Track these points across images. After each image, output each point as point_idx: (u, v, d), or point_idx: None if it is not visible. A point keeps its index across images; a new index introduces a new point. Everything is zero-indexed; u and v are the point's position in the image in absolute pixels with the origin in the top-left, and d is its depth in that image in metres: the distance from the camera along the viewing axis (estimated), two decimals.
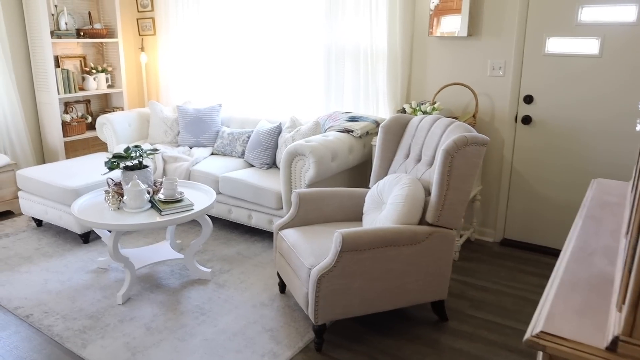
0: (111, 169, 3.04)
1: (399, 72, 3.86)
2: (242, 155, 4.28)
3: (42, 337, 2.62)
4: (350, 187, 3.83)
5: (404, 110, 3.73)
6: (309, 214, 2.91)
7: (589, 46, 3.25)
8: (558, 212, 3.58)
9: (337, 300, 2.40)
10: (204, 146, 4.50)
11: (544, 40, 3.39)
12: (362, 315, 2.71)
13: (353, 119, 3.86)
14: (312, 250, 2.52)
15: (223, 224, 4.14)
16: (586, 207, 1.88)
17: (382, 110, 4.01)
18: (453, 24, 3.59)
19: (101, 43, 5.36)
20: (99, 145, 5.46)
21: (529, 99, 3.52)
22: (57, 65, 4.94)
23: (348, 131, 3.74)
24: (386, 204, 2.69)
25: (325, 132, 3.88)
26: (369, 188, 3.04)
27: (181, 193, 3.06)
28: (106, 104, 5.55)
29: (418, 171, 2.80)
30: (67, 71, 4.87)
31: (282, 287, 3.06)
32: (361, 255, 2.37)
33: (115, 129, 4.63)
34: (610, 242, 1.55)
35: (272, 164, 4.06)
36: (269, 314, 2.82)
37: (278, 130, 4.04)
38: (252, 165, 4.13)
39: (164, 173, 4.15)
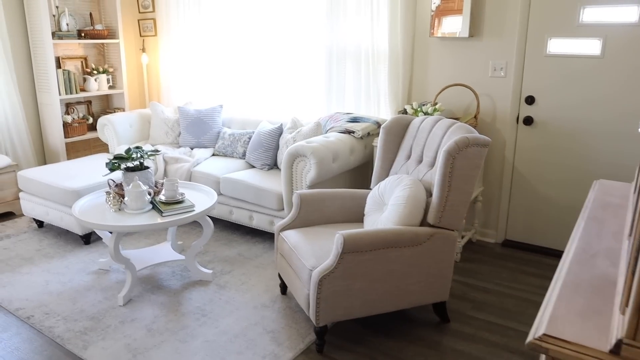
0: (112, 170, 3.04)
1: (400, 73, 3.86)
2: (243, 156, 4.27)
3: (43, 339, 2.62)
4: (351, 188, 3.83)
5: (405, 111, 3.72)
6: (310, 215, 2.91)
7: (591, 47, 3.25)
8: (560, 213, 3.57)
9: (339, 302, 2.40)
10: (205, 147, 4.50)
11: (545, 41, 3.38)
12: (364, 317, 2.70)
13: (354, 120, 3.86)
14: (313, 252, 2.52)
15: (224, 225, 4.14)
16: (588, 209, 1.87)
17: (384, 111, 4.00)
18: (454, 25, 3.59)
19: (102, 44, 5.36)
20: (100, 146, 5.46)
21: (530, 100, 3.51)
22: (58, 66, 4.94)
23: (349, 132, 3.73)
24: (387, 205, 2.69)
25: (326, 133, 3.87)
26: (370, 189, 3.03)
27: (182, 194, 3.05)
28: (107, 105, 5.55)
29: (419, 172, 2.80)
30: (68, 72, 4.87)
31: (284, 288, 3.05)
32: (362, 257, 2.36)
33: (116, 130, 4.63)
34: (613, 244, 1.54)
35: (273, 165, 4.05)
36: (270, 315, 2.81)
37: (279, 131, 4.04)
38: (253, 166, 4.13)
39: (165, 174, 4.14)
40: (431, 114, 3.48)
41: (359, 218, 3.02)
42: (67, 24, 4.87)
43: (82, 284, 3.17)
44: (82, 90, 5.12)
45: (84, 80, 5.12)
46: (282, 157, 3.54)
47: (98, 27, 5.13)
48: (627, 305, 1.01)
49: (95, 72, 5.16)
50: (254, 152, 4.10)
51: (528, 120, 3.55)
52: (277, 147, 4.03)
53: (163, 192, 3.04)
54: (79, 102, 5.26)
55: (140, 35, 5.52)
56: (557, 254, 3.61)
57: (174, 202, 2.99)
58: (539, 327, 1.11)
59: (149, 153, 3.15)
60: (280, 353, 2.48)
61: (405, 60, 3.86)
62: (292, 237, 2.73)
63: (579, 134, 3.40)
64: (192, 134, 4.52)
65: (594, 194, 2.04)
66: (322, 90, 4.30)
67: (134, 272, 3.00)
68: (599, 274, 1.35)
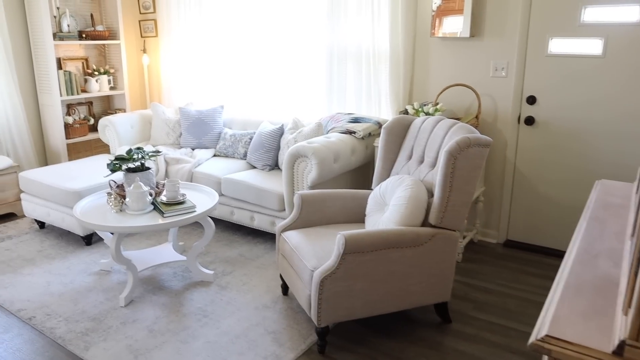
0: (113, 171, 3.04)
1: (401, 73, 3.86)
2: (244, 156, 4.27)
3: (44, 340, 2.62)
4: (352, 188, 3.83)
5: (406, 112, 3.72)
6: (311, 216, 2.91)
7: (592, 46, 3.24)
8: (561, 213, 3.57)
9: (340, 303, 2.39)
10: (206, 148, 4.50)
11: (546, 41, 3.38)
12: (365, 318, 2.70)
13: (355, 120, 3.86)
14: (314, 252, 2.52)
15: (225, 226, 4.13)
16: (590, 209, 1.86)
17: (385, 112, 4.00)
18: (455, 25, 3.58)
19: (103, 45, 5.36)
20: (101, 147, 5.46)
21: (531, 100, 3.51)
22: (60, 67, 4.94)
23: (350, 132, 3.73)
24: (389, 206, 2.68)
25: (327, 133, 3.87)
26: (372, 190, 3.03)
27: (183, 195, 3.05)
28: (108, 105, 5.56)
29: (421, 173, 2.79)
30: (70, 73, 4.87)
31: (285, 289, 3.05)
32: (364, 257, 2.36)
33: (117, 131, 4.63)
34: (615, 244, 1.54)
35: (275, 166, 4.05)
36: (272, 316, 2.81)
37: (280, 132, 4.04)
38: (255, 167, 4.12)
39: (166, 175, 4.15)
40: (432, 114, 3.47)
41: (360, 218, 3.02)
42: (68, 25, 4.88)
43: (84, 285, 3.17)
44: (83, 91, 5.13)
45: (85, 81, 5.12)
46: (283, 158, 3.53)
47: (99, 28, 5.13)
48: (629, 306, 1.01)
49: (96, 73, 5.16)
50: (255, 152, 4.09)
51: (529, 120, 3.54)
52: (278, 148, 4.03)
53: (164, 193, 3.04)
54: (80, 103, 5.26)
55: (141, 36, 5.52)
56: (559, 254, 3.61)
57: (175, 202, 2.99)
58: (542, 328, 1.11)
59: (150, 154, 3.15)
60: (282, 354, 2.48)
61: (406, 60, 3.85)
62: (293, 238, 2.73)
63: (581, 133, 3.40)
64: (193, 135, 4.52)
65: (595, 194, 2.04)
66: (323, 91, 4.30)
67: (136, 273, 3.00)
68: (601, 274, 1.35)
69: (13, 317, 2.83)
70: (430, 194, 2.66)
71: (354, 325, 2.74)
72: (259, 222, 3.73)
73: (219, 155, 4.43)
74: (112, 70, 5.32)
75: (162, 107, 4.78)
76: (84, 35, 5.01)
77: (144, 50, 5.50)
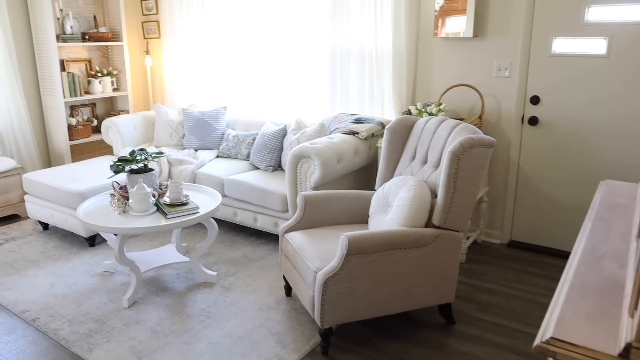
0: (117, 172, 3.04)
1: (404, 74, 3.85)
2: (248, 157, 4.27)
3: (48, 341, 2.62)
4: (355, 189, 3.82)
5: (409, 112, 3.71)
6: (314, 217, 2.90)
7: (596, 46, 3.23)
8: (566, 214, 3.55)
9: (344, 304, 2.39)
10: (209, 149, 4.50)
11: (550, 41, 3.37)
12: (369, 319, 2.69)
13: (358, 121, 3.85)
14: (318, 254, 2.51)
15: (228, 227, 4.13)
16: (595, 209, 1.85)
17: (388, 112, 3.99)
18: (458, 25, 3.57)
19: (106, 46, 5.37)
20: (104, 149, 5.47)
21: (535, 100, 3.50)
22: (63, 68, 4.96)
23: (353, 133, 3.72)
24: (392, 207, 2.68)
25: (330, 134, 3.87)
26: (375, 190, 3.02)
27: (186, 196, 3.05)
28: (111, 107, 5.57)
29: (424, 173, 2.79)
30: (73, 75, 4.88)
31: (288, 290, 3.04)
32: (367, 258, 2.36)
33: (120, 132, 4.64)
34: (620, 245, 1.53)
35: (278, 167, 4.05)
36: (275, 317, 2.81)
37: (283, 133, 4.03)
38: (258, 168, 4.12)
39: (170, 176, 4.15)
40: (435, 115, 3.46)
41: (363, 219, 3.01)
42: (71, 27, 4.89)
43: (87, 286, 3.18)
44: (87, 92, 5.14)
45: (88, 82, 5.13)
46: (287, 159, 3.53)
47: (102, 29, 5.14)
48: (636, 308, 1.00)
49: (99, 74, 5.17)
50: (258, 153, 4.09)
51: (533, 121, 3.53)
52: (281, 149, 4.02)
53: (167, 194, 3.04)
54: (83, 105, 5.28)
55: (144, 38, 5.53)
56: (563, 255, 3.59)
57: (178, 204, 2.98)
58: (547, 330, 1.10)
59: (153, 155, 3.15)
60: (285, 355, 2.48)
61: (409, 60, 3.85)
62: (296, 239, 2.72)
63: (585, 133, 3.38)
64: (196, 136, 4.52)
65: (600, 195, 2.03)
66: (326, 91, 4.29)
67: (139, 274, 3.00)
68: (606, 276, 1.34)
69: (17, 318, 2.84)
70: (434, 194, 2.65)
71: (357, 326, 2.73)
72: (262, 223, 3.73)
73: (222, 156, 4.43)
74: (115, 72, 5.32)
75: (165, 109, 4.79)
76: (87, 37, 5.02)
77: (147, 52, 5.51)
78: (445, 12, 3.61)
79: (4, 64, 4.53)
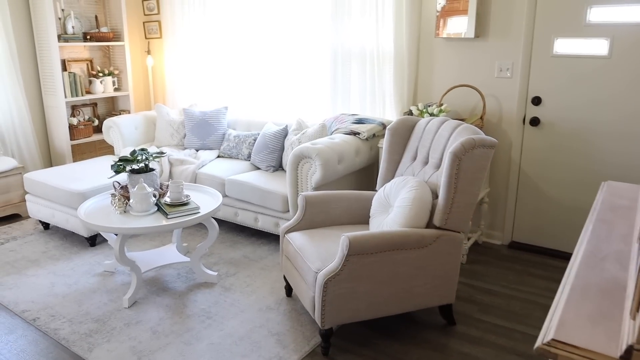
0: (117, 172, 3.04)
1: (406, 74, 3.84)
2: (249, 157, 4.27)
3: (48, 341, 2.62)
4: (356, 189, 3.82)
5: (410, 113, 3.71)
6: (315, 217, 2.90)
7: (598, 47, 3.22)
8: (567, 215, 3.54)
9: (344, 304, 2.38)
10: (210, 149, 4.50)
11: (552, 41, 3.36)
12: (369, 320, 2.69)
13: (359, 121, 3.85)
14: (318, 254, 2.51)
15: (229, 227, 4.13)
16: (597, 211, 1.85)
17: (389, 113, 3.99)
18: (460, 25, 3.57)
19: (108, 46, 5.37)
20: (105, 149, 5.47)
21: (537, 101, 3.49)
22: (64, 68, 4.96)
23: (354, 133, 3.72)
24: (393, 207, 2.67)
25: (331, 134, 3.86)
26: (376, 191, 3.02)
27: (187, 196, 3.05)
28: (113, 107, 5.57)
29: (425, 174, 2.78)
30: (74, 74, 4.89)
31: (289, 290, 3.04)
32: (368, 259, 2.35)
33: (121, 132, 4.64)
34: (622, 247, 1.52)
35: (279, 167, 4.04)
36: (276, 317, 2.80)
37: (284, 133, 4.03)
38: (259, 168, 4.12)
39: (170, 176, 4.15)
40: (437, 115, 3.46)
41: (364, 220, 3.01)
42: (73, 27, 4.89)
43: (88, 286, 3.18)
44: (88, 92, 5.14)
45: (90, 82, 5.13)
46: (287, 159, 3.53)
47: (103, 29, 5.14)
48: (637, 310, 1.00)
49: (100, 74, 5.17)
50: (259, 153, 4.09)
51: (535, 121, 3.52)
52: (282, 149, 4.02)
53: (168, 194, 3.04)
54: (84, 105, 5.28)
55: (146, 38, 5.53)
56: (564, 256, 3.58)
57: (179, 204, 2.98)
58: (548, 332, 1.09)
59: (154, 155, 3.15)
60: (286, 356, 2.47)
61: (411, 61, 3.84)
62: (297, 239, 2.72)
63: (586, 134, 3.37)
64: (197, 136, 4.52)
65: (602, 196, 2.02)
66: (327, 92, 4.29)
67: (139, 274, 3.00)
68: (608, 277, 1.33)
69: (17, 318, 2.83)
70: (435, 195, 2.65)
71: (358, 327, 2.73)
72: (263, 223, 3.72)
73: (223, 156, 4.43)
74: (116, 72, 5.33)
75: (166, 109, 4.79)
76: (88, 37, 5.02)
77: (148, 52, 5.51)
78: (447, 12, 3.61)
79: (5, 64, 4.54)
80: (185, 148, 4.60)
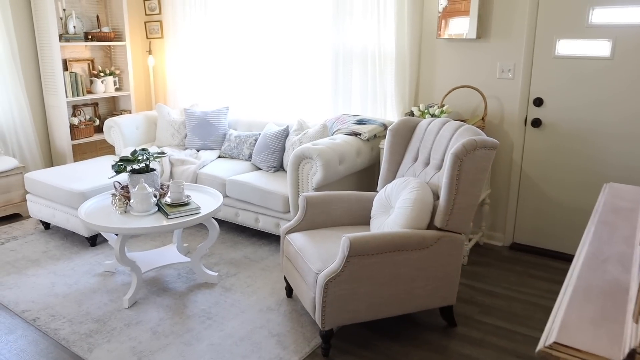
0: (118, 172, 3.04)
1: (407, 75, 3.84)
2: (249, 158, 4.27)
3: (48, 341, 2.62)
4: (357, 190, 3.81)
5: (412, 113, 3.70)
6: (316, 218, 2.89)
7: (600, 48, 3.21)
8: (568, 216, 3.53)
9: (345, 306, 2.38)
10: (211, 149, 4.49)
11: (554, 42, 3.35)
12: (370, 321, 2.68)
13: (361, 122, 3.84)
14: (319, 255, 2.50)
15: (230, 227, 4.13)
16: (599, 212, 1.84)
17: (390, 113, 3.98)
18: (461, 26, 3.56)
19: (109, 46, 5.37)
20: (106, 148, 5.47)
21: (538, 102, 3.48)
22: (65, 68, 4.96)
23: (356, 134, 3.71)
24: (394, 208, 2.66)
25: (332, 135, 3.86)
26: (377, 192, 3.01)
27: (188, 196, 3.05)
28: (114, 107, 5.57)
29: (426, 175, 2.77)
30: (75, 74, 4.89)
31: (289, 291, 3.03)
32: (369, 260, 2.34)
33: (122, 132, 4.63)
34: (624, 249, 1.51)
35: (280, 167, 4.04)
36: (276, 318, 2.80)
37: (285, 133, 4.03)
38: (259, 168, 4.11)
39: (171, 176, 4.14)
40: (438, 116, 3.45)
41: (365, 221, 3.00)
42: (74, 27, 4.89)
43: (88, 286, 3.17)
44: (89, 92, 5.14)
45: (91, 82, 5.13)
46: (288, 159, 3.52)
47: (105, 29, 5.14)
48: None
49: (101, 74, 5.17)
50: (260, 154, 4.08)
51: (536, 122, 3.52)
52: (283, 149, 4.02)
53: (169, 194, 3.03)
54: (85, 104, 5.28)
55: (147, 37, 5.53)
56: (566, 258, 3.57)
57: (180, 204, 2.98)
58: (550, 334, 1.09)
59: (155, 155, 3.15)
60: (286, 357, 2.47)
61: (412, 61, 3.83)
62: (298, 240, 2.71)
63: (588, 136, 3.37)
64: (198, 136, 4.52)
65: (604, 198, 2.01)
66: (329, 92, 4.28)
67: (140, 274, 2.99)
68: (610, 279, 1.32)
69: (17, 318, 2.83)
70: (436, 196, 2.64)
71: (358, 328, 2.72)
72: (264, 223, 3.72)
73: (224, 157, 4.42)
74: (117, 72, 5.32)
75: (168, 109, 4.79)
76: (89, 37, 5.02)
77: (150, 52, 5.51)
78: (449, 13, 3.60)
79: (7, 64, 4.54)
80: (186, 148, 4.59)
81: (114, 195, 3.02)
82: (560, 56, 3.35)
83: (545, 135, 3.52)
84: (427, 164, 2.84)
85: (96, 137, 5.15)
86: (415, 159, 2.93)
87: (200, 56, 5.01)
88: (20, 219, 4.35)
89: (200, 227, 4.14)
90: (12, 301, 2.99)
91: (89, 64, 5.22)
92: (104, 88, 5.15)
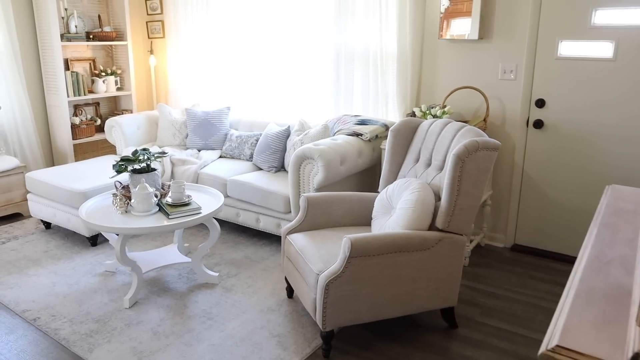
0: (119, 172, 3.04)
1: (409, 75, 3.83)
2: (251, 158, 4.26)
3: (48, 341, 2.61)
4: (359, 191, 3.81)
5: (413, 114, 3.69)
6: (317, 218, 2.89)
7: (603, 49, 3.20)
8: (570, 218, 3.52)
9: (345, 307, 2.37)
10: (213, 149, 4.49)
11: (556, 44, 3.34)
12: (371, 322, 2.67)
13: (362, 123, 3.83)
14: (320, 256, 2.50)
15: (231, 228, 4.12)
16: (601, 215, 1.83)
17: (392, 114, 3.97)
18: (463, 27, 3.55)
19: (110, 46, 5.37)
20: (107, 148, 5.47)
21: (540, 103, 3.47)
22: (67, 68, 4.96)
23: (357, 135, 3.71)
24: (395, 209, 2.66)
25: (334, 135, 3.85)
26: (378, 192, 3.01)
27: (189, 196, 3.04)
28: (115, 106, 5.57)
29: (428, 176, 2.77)
30: (77, 74, 4.89)
31: (290, 292, 3.03)
32: (370, 261, 2.34)
33: (124, 132, 4.63)
34: (627, 252, 1.51)
35: (281, 167, 4.03)
36: (277, 319, 2.79)
37: (287, 134, 4.02)
38: (261, 169, 4.11)
39: (172, 176, 4.14)
40: (440, 117, 3.44)
41: (366, 222, 3.00)
42: (76, 26, 4.89)
43: (89, 286, 3.17)
44: (90, 92, 5.14)
45: (92, 82, 5.13)
46: (290, 160, 3.52)
47: (106, 29, 5.14)
48: None
49: (103, 73, 5.17)
50: (261, 154, 4.08)
51: (538, 124, 3.51)
52: (284, 150, 4.01)
53: (170, 194, 3.03)
54: (87, 104, 5.28)
55: (148, 37, 5.53)
56: (567, 259, 3.56)
57: (181, 204, 2.97)
58: (552, 337, 1.08)
59: (156, 155, 3.15)
60: (287, 357, 2.46)
61: (414, 62, 3.83)
62: (298, 241, 2.71)
63: (590, 137, 3.36)
64: (199, 136, 4.52)
65: (606, 200, 2.01)
66: (330, 93, 4.28)
67: (140, 274, 2.99)
68: (613, 282, 1.31)
69: (18, 317, 2.83)
70: (438, 197, 2.63)
71: (359, 329, 2.72)
72: (265, 224, 3.71)
73: (225, 157, 4.42)
74: (119, 71, 5.32)
75: (169, 108, 4.78)
76: (91, 36, 5.02)
77: (151, 51, 5.51)
78: (451, 14, 3.59)
79: (8, 63, 4.54)
80: (187, 148, 4.59)
81: (114, 195, 3.02)
82: (563, 57, 3.34)
83: (547, 137, 3.51)
84: (429, 165, 2.83)
85: (97, 136, 5.15)
86: (417, 160, 2.92)
87: (202, 56, 5.01)
88: (21, 218, 4.35)
89: (201, 227, 4.14)
90: (13, 301, 2.99)
91: (90, 63, 5.22)
92: (106, 88, 5.15)
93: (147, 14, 5.45)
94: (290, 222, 3.29)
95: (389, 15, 3.78)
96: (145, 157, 3.10)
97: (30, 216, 4.37)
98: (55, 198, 3.76)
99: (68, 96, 4.82)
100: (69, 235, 3.96)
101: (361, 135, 3.69)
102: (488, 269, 3.44)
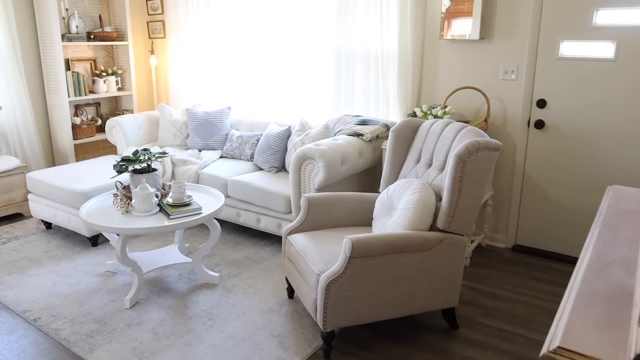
0: (120, 172, 3.03)
1: (410, 75, 3.83)
2: (251, 158, 4.26)
3: (49, 341, 2.61)
4: (360, 191, 3.81)
5: (414, 114, 3.69)
6: (318, 219, 2.89)
7: (604, 50, 3.20)
8: (571, 218, 3.52)
9: (346, 307, 2.37)
10: (213, 149, 4.49)
11: (557, 44, 3.34)
12: (372, 322, 2.67)
13: (363, 123, 3.83)
14: (321, 256, 2.49)
15: (231, 228, 4.12)
16: (602, 215, 1.83)
17: (393, 114, 3.97)
18: (464, 27, 3.55)
19: (111, 46, 5.37)
20: (108, 148, 5.47)
21: (542, 103, 3.47)
22: (68, 68, 4.96)
23: (358, 135, 3.71)
24: (396, 210, 2.65)
25: (335, 135, 3.85)
26: (379, 193, 3.00)
27: (190, 197, 3.04)
28: (116, 106, 5.57)
29: (429, 176, 2.76)
30: (78, 74, 4.89)
31: (291, 292, 3.03)
32: (371, 262, 2.34)
33: (124, 132, 4.63)
34: (629, 252, 1.50)
35: (281, 168, 4.03)
36: (277, 319, 2.79)
37: (287, 134, 4.02)
38: (261, 169, 4.11)
39: (173, 176, 4.14)
40: (441, 117, 3.44)
41: (367, 222, 2.99)
42: (77, 26, 4.89)
43: (89, 286, 3.17)
44: (91, 92, 5.14)
45: (93, 82, 5.13)
46: (290, 160, 3.52)
47: (107, 29, 5.14)
48: None
49: (104, 74, 5.17)
50: (262, 154, 4.08)
51: (539, 124, 3.50)
52: (285, 150, 4.01)
53: (170, 194, 3.03)
54: (87, 104, 5.28)
55: (149, 37, 5.53)
56: (568, 260, 3.56)
57: (182, 204, 2.97)
58: (554, 339, 1.08)
59: (156, 155, 3.14)
60: (287, 358, 2.46)
61: (415, 62, 3.83)
62: (299, 241, 2.70)
63: (592, 137, 3.35)
64: (200, 136, 4.51)
65: (608, 200, 2.00)
66: (331, 93, 4.27)
67: (141, 274, 2.99)
68: (614, 283, 1.31)
69: (18, 318, 2.83)
70: (439, 197, 2.63)
71: (360, 330, 2.71)
72: (266, 224, 3.71)
73: (225, 157, 4.42)
74: (120, 71, 5.32)
75: (170, 109, 4.78)
76: (92, 37, 5.02)
77: (152, 52, 5.51)
78: (452, 14, 3.59)
79: (9, 63, 4.54)
80: (188, 148, 4.59)
81: (115, 195, 3.02)
82: (564, 58, 3.34)
83: (548, 137, 3.50)
84: (430, 165, 2.83)
85: (98, 136, 5.15)
86: (418, 160, 2.92)
87: (203, 56, 5.01)
88: (22, 218, 4.35)
89: (201, 227, 4.14)
90: (13, 301, 2.99)
91: (91, 63, 5.22)
92: (106, 88, 5.15)
93: (148, 14, 5.45)
94: (291, 223, 3.28)
95: (389, 15, 3.78)
96: (146, 158, 3.10)
97: (31, 216, 4.37)
98: (56, 198, 3.76)
99: (69, 96, 4.82)
100: (70, 236, 3.96)
101: (362, 135, 3.69)
102: (489, 270, 3.43)
